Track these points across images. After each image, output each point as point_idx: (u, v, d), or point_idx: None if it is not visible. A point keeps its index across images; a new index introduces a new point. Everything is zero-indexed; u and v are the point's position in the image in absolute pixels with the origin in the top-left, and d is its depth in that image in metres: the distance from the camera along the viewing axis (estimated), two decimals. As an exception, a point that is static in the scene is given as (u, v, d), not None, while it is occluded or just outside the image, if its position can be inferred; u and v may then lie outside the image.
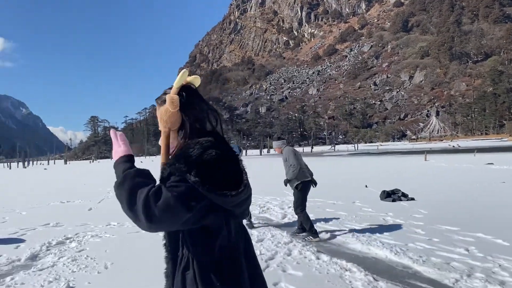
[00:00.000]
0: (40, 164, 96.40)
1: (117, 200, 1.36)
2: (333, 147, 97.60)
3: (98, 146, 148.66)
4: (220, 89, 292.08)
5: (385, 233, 6.37)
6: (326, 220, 7.58)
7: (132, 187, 1.35)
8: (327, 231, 6.65)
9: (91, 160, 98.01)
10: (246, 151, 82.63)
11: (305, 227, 6.25)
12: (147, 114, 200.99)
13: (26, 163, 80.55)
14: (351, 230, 6.66)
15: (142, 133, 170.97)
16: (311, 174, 6.54)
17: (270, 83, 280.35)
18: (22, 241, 6.81)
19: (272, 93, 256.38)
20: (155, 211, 1.28)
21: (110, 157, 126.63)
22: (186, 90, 1.54)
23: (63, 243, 6.50)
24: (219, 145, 1.47)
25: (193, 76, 1.59)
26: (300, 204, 6.28)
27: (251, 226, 7.05)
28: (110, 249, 5.88)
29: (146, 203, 1.29)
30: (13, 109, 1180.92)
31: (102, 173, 31.02)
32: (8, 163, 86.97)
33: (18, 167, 75.40)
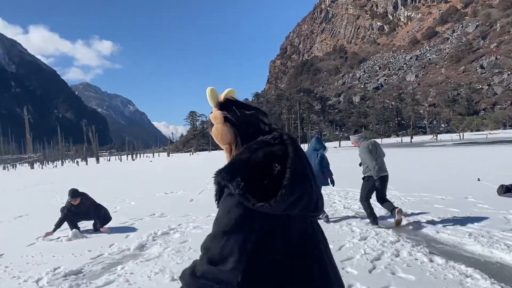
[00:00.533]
0: (146, 156, 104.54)
1: None
2: (434, 137, 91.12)
3: (197, 139, 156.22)
4: (311, 80, 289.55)
5: (509, 234, 5.55)
6: (436, 218, 6.87)
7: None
8: (438, 231, 5.99)
9: (191, 153, 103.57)
10: (339, 143, 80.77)
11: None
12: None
13: (134, 156, 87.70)
14: (467, 230, 5.92)
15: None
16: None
17: (364, 71, 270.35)
18: (131, 230, 7.20)
19: (366, 81, 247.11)
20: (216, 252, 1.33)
21: (208, 149, 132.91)
22: (224, 103, 1.58)
23: (167, 233, 6.73)
24: (269, 145, 1.44)
25: (227, 90, 1.64)
26: (365, 196, 6.53)
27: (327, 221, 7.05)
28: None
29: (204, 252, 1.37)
30: (122, 107, 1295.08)
31: (201, 165, 32.47)
32: (119, 156, 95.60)
33: (127, 159, 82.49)
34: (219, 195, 1.44)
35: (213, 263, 1.32)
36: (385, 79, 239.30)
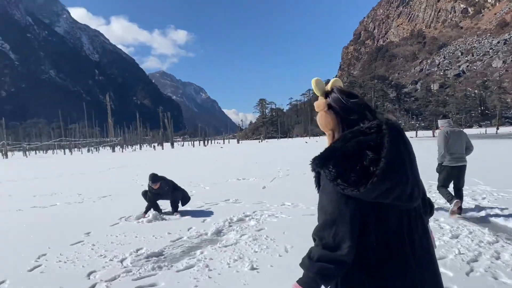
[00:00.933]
0: (217, 143, 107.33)
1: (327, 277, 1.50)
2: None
3: (265, 127, 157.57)
4: (386, 67, 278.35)
5: None
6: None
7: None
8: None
9: (260, 140, 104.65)
10: (416, 133, 76.98)
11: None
12: (310, 95, 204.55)
13: (206, 142, 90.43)
14: None
15: (305, 114, 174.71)
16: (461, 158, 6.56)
17: (444, 57, 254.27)
18: (207, 215, 7.29)
19: (446, 68, 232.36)
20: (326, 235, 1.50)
21: (277, 137, 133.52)
22: (329, 92, 1.65)
23: (242, 220, 6.71)
24: (364, 134, 1.48)
25: (333, 80, 1.68)
26: (440, 183, 6.75)
27: None
28: (288, 231, 5.78)
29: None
30: (195, 94, 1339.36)
31: (271, 153, 32.57)
32: (192, 142, 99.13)
33: (199, 145, 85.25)
34: (318, 182, 1.59)
35: (328, 250, 1.46)
36: (467, 66, 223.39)
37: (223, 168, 18.56)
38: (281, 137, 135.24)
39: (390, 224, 1.46)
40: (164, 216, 7.25)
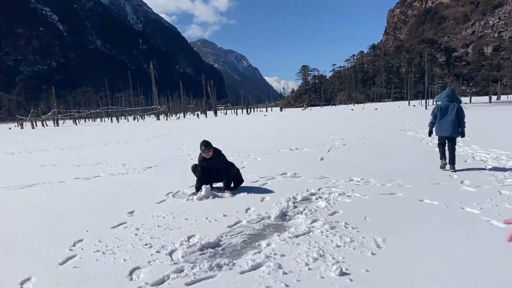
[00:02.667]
0: (259, 111, 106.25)
1: None
2: None
3: (308, 94, 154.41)
4: (435, 30, 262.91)
5: None
6: None
7: None
8: None
9: (304, 108, 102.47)
10: (470, 98, 72.27)
11: None
12: (355, 61, 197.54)
13: (248, 110, 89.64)
14: None
15: (349, 81, 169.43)
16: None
17: (499, 18, 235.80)
18: (265, 192, 6.30)
19: (501, 29, 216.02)
20: None
21: (320, 105, 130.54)
22: None
23: (309, 199, 5.66)
24: None
25: None
26: None
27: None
28: (370, 216, 4.68)
29: None
30: (236, 62, 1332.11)
31: (318, 120, 31.13)
32: (235, 110, 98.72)
33: (242, 113, 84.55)
34: None
35: None
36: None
37: (272, 137, 17.52)
38: (324, 105, 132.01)
39: None
40: (217, 193, 6.31)
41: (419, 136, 13.90)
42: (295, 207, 5.29)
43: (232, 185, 6.71)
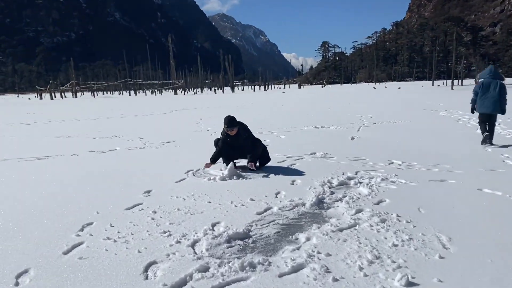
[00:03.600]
0: (277, 87, 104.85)
1: None
2: None
3: (328, 72, 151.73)
4: (461, 7, 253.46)
5: None
6: None
7: None
8: None
9: (323, 85, 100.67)
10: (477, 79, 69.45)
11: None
12: (377, 38, 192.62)
13: (266, 86, 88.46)
14: None
15: (371, 59, 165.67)
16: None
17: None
18: (295, 173, 5.66)
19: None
20: None
21: (340, 82, 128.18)
22: None
23: (346, 185, 5.00)
24: None
25: None
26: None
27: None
28: (424, 208, 4.00)
29: None
30: (254, 38, 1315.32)
31: (340, 98, 30.14)
32: (253, 86, 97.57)
33: (260, 89, 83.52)
34: None
35: None
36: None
37: (293, 114, 16.79)
38: (344, 83, 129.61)
39: None
40: (241, 172, 5.69)
41: (454, 117, 12.99)
42: (332, 193, 4.64)
43: (257, 163, 6.09)
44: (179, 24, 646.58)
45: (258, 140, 6.09)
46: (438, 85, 61.28)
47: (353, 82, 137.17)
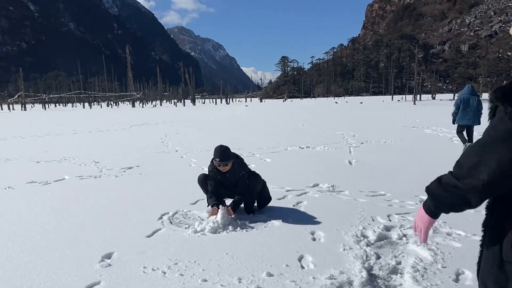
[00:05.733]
0: (239, 101, 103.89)
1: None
2: None
3: (287, 86, 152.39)
4: (413, 26, 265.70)
5: None
6: None
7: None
8: None
9: (284, 99, 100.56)
10: (454, 96, 71.69)
11: None
12: (334, 53, 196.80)
13: (228, 99, 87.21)
14: None
15: (328, 74, 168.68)
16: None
17: (475, 17, 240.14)
18: (307, 219, 4.24)
19: (477, 28, 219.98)
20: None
21: (299, 97, 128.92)
22: None
23: (387, 238, 3.62)
24: None
25: None
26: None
27: None
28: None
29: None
30: (213, 51, 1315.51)
31: (308, 113, 29.24)
32: (214, 99, 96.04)
33: (221, 103, 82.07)
34: (492, 113, 1.33)
35: (457, 178, 1.30)
36: (500, 26, 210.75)
37: (268, 131, 15.45)
38: (304, 97, 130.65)
39: None
40: (239, 221, 4.20)
41: (443, 135, 12.07)
42: (378, 256, 3.25)
43: (255, 204, 4.64)
44: (137, 35, 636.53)
45: (257, 176, 4.61)
46: (398, 100, 62.32)
47: (312, 97, 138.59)
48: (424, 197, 3.93)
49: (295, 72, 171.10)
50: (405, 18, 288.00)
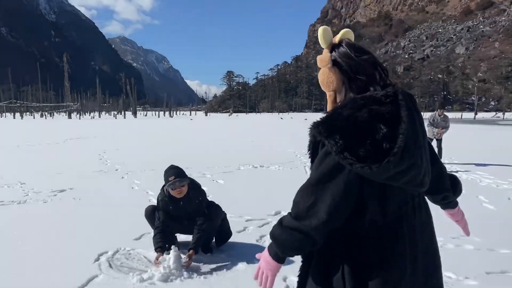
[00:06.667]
0: (182, 114, 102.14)
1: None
2: (499, 114, 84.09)
3: (233, 100, 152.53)
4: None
5: None
6: None
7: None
8: None
9: (230, 113, 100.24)
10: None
11: None
12: (278, 70, 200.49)
13: (171, 112, 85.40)
14: None
15: (273, 90, 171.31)
16: None
17: (409, 40, 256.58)
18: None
19: (411, 51, 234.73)
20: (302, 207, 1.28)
21: (245, 111, 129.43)
22: (337, 45, 1.41)
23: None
24: (378, 103, 1.25)
25: (343, 31, 1.43)
26: None
27: None
28: None
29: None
30: (157, 63, 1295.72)
31: (255, 128, 28.93)
32: (156, 112, 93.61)
33: (164, 115, 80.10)
34: (312, 148, 1.37)
35: (297, 219, 1.28)
36: (432, 50, 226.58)
37: (217, 147, 14.75)
38: (249, 112, 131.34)
39: (390, 209, 1.28)
40: (195, 264, 3.48)
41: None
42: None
43: (213, 240, 3.95)
44: (76, 44, 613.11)
45: (216, 208, 3.92)
46: (340, 117, 63.83)
47: (257, 112, 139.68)
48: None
49: (240, 87, 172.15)
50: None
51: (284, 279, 3.22)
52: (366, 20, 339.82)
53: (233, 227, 4.35)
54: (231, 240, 4.09)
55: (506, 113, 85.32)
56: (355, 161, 1.17)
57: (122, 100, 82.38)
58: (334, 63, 1.37)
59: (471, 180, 7.73)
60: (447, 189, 1.57)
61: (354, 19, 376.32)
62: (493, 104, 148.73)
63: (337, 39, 1.41)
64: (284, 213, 4.84)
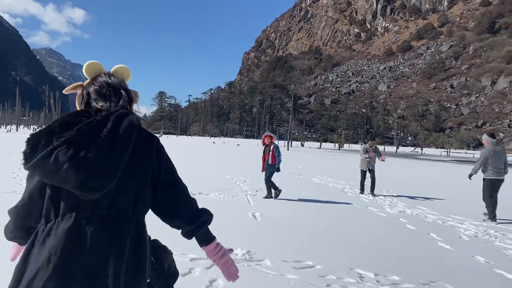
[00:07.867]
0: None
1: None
2: (417, 149, 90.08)
3: (164, 122, 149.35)
4: (284, 77, 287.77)
5: None
6: None
7: None
8: None
9: (160, 135, 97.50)
10: (321, 144, 77.62)
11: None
12: (212, 94, 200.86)
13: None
14: None
15: (205, 113, 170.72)
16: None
17: (337, 75, 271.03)
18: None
19: (338, 85, 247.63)
20: None
21: (175, 134, 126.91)
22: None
23: None
24: (80, 116, 1.39)
25: (117, 66, 1.75)
26: (485, 195, 7.62)
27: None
28: None
29: None
30: (84, 78, 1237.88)
31: (188, 153, 27.98)
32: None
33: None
34: None
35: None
36: (357, 86, 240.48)
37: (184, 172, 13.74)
38: (180, 134, 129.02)
39: (56, 211, 1.37)
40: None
41: (333, 186, 11.92)
42: None
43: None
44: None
45: (162, 248, 3.24)
46: (271, 144, 64.62)
47: (189, 134, 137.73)
48: (362, 271, 2.95)
49: (172, 109, 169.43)
50: (278, 69, 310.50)
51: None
52: (298, 53, 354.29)
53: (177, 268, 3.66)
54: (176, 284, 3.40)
55: (424, 149, 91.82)
56: (23, 159, 1.33)
57: (44, 114, 76.87)
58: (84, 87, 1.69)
59: (416, 215, 7.67)
60: (177, 216, 1.57)
61: (286, 50, 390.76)
62: (410, 139, 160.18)
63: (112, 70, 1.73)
64: (237, 252, 4.26)
